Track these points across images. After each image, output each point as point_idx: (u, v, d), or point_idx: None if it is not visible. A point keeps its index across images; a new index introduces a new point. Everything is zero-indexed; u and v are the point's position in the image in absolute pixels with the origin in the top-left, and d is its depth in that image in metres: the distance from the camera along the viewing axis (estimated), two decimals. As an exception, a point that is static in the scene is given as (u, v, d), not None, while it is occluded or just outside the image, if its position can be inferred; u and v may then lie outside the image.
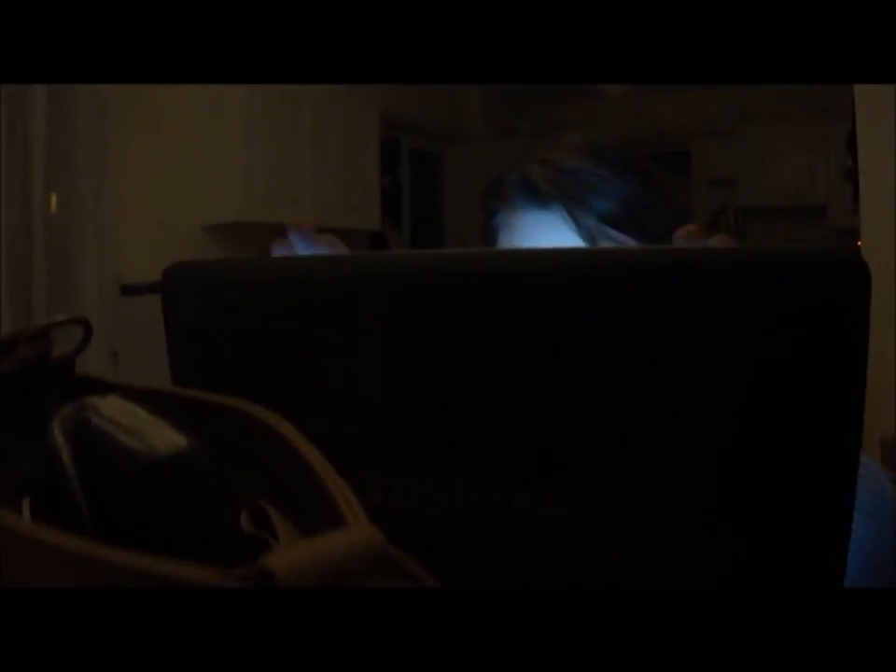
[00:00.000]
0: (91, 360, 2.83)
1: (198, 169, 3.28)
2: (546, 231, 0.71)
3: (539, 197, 0.72)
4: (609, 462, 0.35)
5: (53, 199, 2.75)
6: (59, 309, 2.77)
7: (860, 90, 2.13)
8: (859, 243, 2.38)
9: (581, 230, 0.69)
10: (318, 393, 0.39)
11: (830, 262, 0.33)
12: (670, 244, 0.64)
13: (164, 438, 0.17)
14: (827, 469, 0.33)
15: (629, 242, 0.69)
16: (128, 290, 2.94)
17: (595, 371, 0.35)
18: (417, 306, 0.37)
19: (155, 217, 3.11)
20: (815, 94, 4.07)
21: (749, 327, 0.33)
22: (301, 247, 0.46)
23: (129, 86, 2.83)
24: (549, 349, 0.35)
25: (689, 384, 0.34)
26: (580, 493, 0.35)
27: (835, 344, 0.32)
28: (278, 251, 0.47)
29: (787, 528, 0.34)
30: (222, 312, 0.41)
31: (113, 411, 0.18)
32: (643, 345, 0.34)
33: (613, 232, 0.69)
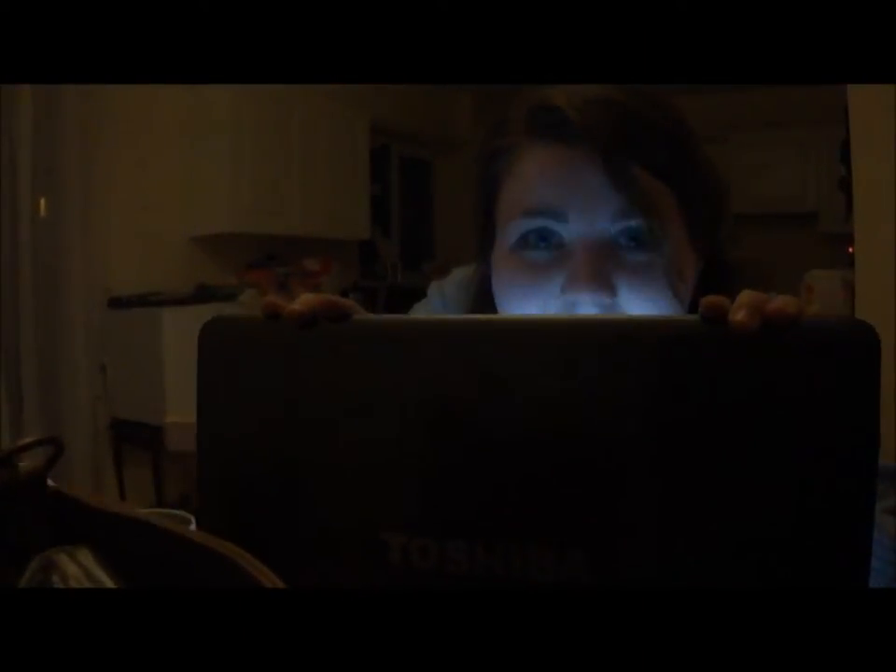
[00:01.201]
0: (80, 374, 2.78)
1: (185, 179, 3.25)
2: (569, 174, 0.54)
3: (563, 128, 0.54)
4: (630, 523, 0.35)
5: (42, 205, 2.71)
6: (47, 323, 2.73)
7: (854, 97, 2.12)
8: (850, 249, 2.39)
9: (619, 175, 0.53)
10: (340, 453, 0.39)
11: (842, 338, 0.33)
12: (707, 218, 0.59)
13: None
14: (847, 538, 0.34)
15: (670, 201, 0.56)
16: (116, 303, 2.91)
17: (612, 431, 0.35)
18: (429, 371, 0.38)
19: (142, 229, 3.08)
20: (806, 101, 4.07)
21: (762, 397, 0.34)
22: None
23: (115, 94, 2.81)
24: (566, 409, 0.36)
25: (707, 450, 0.35)
26: (599, 554, 0.35)
27: (847, 418, 0.33)
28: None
29: (803, 584, 0.34)
30: (260, 370, 0.41)
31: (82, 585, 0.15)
32: (665, 412, 0.35)
33: (655, 183, 0.54)
